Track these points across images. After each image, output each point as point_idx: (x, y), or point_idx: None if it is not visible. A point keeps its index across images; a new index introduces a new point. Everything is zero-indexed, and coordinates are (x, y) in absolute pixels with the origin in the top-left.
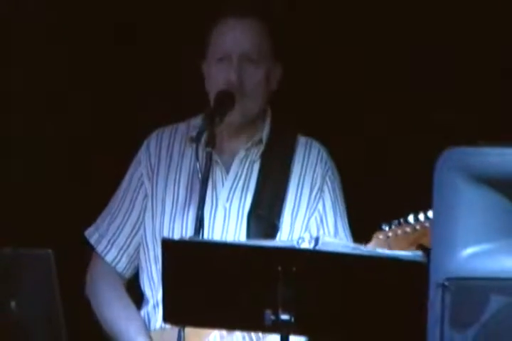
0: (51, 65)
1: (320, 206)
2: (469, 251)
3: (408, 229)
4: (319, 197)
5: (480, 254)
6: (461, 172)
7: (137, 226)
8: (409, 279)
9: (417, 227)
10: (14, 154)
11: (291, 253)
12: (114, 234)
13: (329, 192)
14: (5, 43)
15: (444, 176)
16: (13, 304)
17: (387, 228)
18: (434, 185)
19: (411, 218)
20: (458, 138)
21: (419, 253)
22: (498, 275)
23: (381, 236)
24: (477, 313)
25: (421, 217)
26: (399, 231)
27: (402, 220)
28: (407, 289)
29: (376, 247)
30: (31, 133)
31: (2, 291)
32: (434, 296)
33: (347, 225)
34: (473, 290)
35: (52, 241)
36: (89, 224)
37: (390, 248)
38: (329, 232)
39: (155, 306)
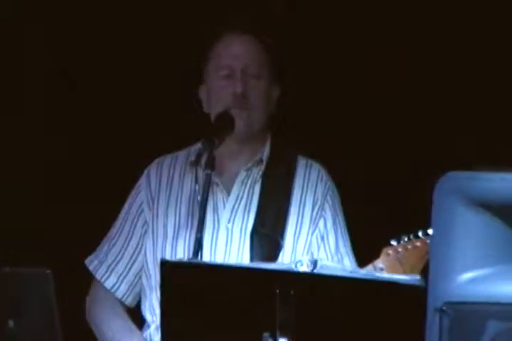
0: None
1: (321, 224)
2: (467, 275)
3: (418, 243)
4: (320, 216)
5: (478, 279)
6: (459, 197)
7: (136, 252)
8: (407, 303)
9: (428, 241)
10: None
11: (290, 276)
12: (113, 260)
13: (330, 211)
14: None
15: (442, 200)
16: (10, 323)
17: (395, 243)
18: (433, 208)
19: (420, 233)
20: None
21: (417, 277)
22: (496, 300)
23: (390, 252)
24: (475, 339)
25: (430, 232)
26: (409, 246)
27: (411, 235)
28: (404, 313)
29: (385, 262)
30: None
31: (0, 310)
32: (432, 321)
33: (348, 243)
34: (471, 315)
35: (53, 261)
36: (90, 245)
37: (400, 262)
38: (330, 250)
39: (158, 328)
